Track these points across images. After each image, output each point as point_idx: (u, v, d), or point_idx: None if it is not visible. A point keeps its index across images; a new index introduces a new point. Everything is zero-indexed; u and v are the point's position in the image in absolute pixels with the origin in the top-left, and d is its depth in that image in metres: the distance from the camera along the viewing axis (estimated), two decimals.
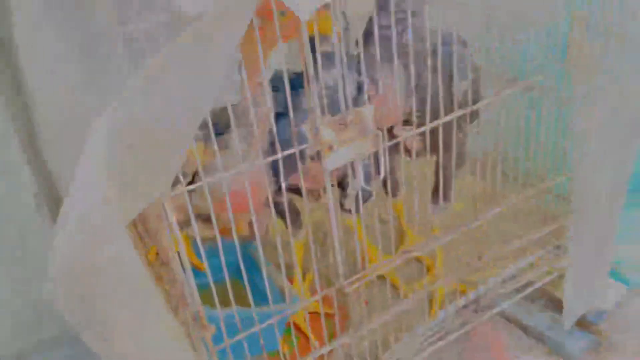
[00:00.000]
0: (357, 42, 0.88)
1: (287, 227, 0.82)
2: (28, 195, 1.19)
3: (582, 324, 1.31)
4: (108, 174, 0.54)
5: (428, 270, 1.12)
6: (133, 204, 0.59)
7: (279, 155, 0.69)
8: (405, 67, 0.78)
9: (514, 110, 1.00)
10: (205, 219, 0.71)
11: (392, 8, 0.73)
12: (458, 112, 0.84)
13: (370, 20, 0.84)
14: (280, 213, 0.87)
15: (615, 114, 0.97)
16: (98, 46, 0.60)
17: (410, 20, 0.75)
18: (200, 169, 0.65)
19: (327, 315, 0.91)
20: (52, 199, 1.26)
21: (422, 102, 0.80)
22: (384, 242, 0.87)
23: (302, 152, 0.72)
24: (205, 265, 0.71)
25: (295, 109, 0.68)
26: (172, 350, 0.60)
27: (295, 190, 0.84)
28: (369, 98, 0.74)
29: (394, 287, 1.06)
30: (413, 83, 0.78)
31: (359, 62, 0.75)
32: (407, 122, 0.83)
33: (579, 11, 0.87)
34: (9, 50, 1.16)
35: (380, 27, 0.75)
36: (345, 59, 0.68)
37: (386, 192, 1.04)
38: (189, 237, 0.94)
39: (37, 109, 0.94)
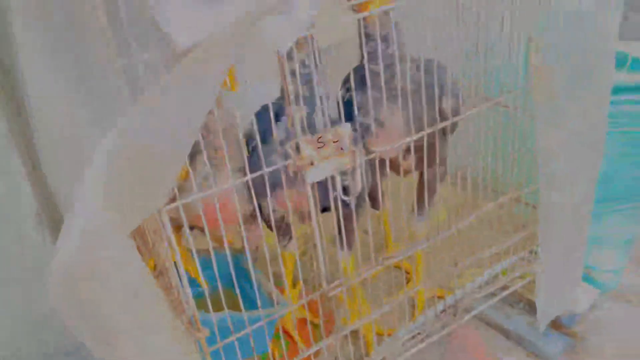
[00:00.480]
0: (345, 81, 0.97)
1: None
2: (29, 214, 1.23)
3: (558, 326, 1.38)
4: (108, 190, 0.61)
5: (409, 278, 1.18)
6: (131, 216, 0.65)
7: (248, 177, 0.77)
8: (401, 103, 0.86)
9: (490, 125, 1.08)
10: (201, 230, 0.78)
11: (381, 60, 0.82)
12: (440, 125, 0.92)
13: (358, 66, 0.92)
14: (271, 227, 0.94)
15: (578, 135, 1.05)
16: (98, 76, 0.68)
17: (398, 65, 0.84)
18: (194, 184, 0.72)
19: (314, 323, 0.98)
20: (52, 217, 1.31)
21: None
22: (366, 251, 0.94)
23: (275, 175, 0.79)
24: (200, 274, 0.78)
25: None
26: (174, 353, 0.66)
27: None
28: (376, 136, 0.83)
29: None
30: (411, 118, 0.86)
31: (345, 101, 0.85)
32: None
33: (536, 37, 0.95)
34: (9, 73, 1.23)
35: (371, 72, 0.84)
36: (322, 83, 0.76)
37: (372, 206, 1.12)
38: (186, 249, 1.00)
39: (38, 131, 1.00)
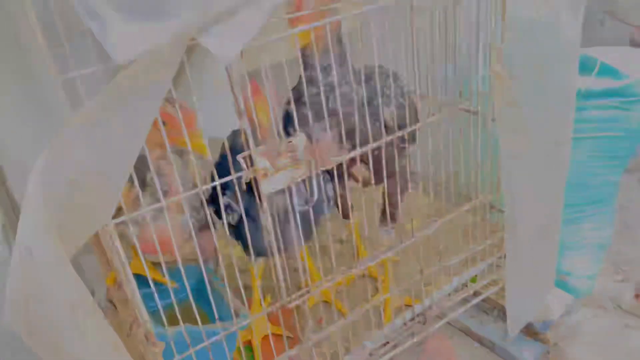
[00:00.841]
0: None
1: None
2: None
3: (531, 332, 1.38)
4: (50, 208, 0.60)
5: (377, 287, 1.18)
6: (78, 234, 0.65)
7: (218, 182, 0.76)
8: (336, 115, 0.86)
9: (457, 131, 1.08)
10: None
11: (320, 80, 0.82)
12: (388, 137, 0.92)
13: (298, 84, 0.92)
14: (239, 238, 0.94)
15: (541, 140, 1.05)
16: (41, 93, 0.67)
17: (337, 90, 0.84)
18: (141, 199, 0.72)
19: (278, 335, 0.97)
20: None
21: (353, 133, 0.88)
22: (337, 260, 0.93)
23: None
24: (153, 289, 0.77)
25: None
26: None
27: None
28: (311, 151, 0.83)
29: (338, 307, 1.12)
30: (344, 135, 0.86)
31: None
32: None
33: (497, 44, 0.95)
34: None
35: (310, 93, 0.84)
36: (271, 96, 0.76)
37: (343, 216, 1.12)
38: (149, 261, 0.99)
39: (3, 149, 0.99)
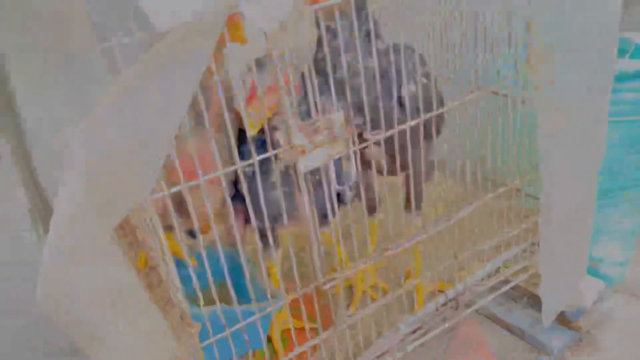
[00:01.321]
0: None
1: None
2: (24, 213, 1.22)
3: (563, 320, 1.35)
4: (88, 184, 0.58)
5: (408, 273, 1.16)
6: (115, 211, 0.63)
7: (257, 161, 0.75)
8: (352, 90, 0.82)
9: (487, 114, 1.05)
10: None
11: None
12: (427, 115, 0.89)
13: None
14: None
15: (578, 121, 1.02)
16: (79, 63, 0.66)
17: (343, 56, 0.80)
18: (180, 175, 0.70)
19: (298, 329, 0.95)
20: (46, 216, 1.30)
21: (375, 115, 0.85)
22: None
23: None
24: (190, 268, 0.75)
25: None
26: (160, 347, 0.64)
27: None
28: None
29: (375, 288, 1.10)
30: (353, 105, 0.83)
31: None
32: (360, 136, 0.88)
33: (535, 22, 0.92)
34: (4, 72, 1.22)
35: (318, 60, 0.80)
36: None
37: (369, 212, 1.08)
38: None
39: (28, 130, 0.98)
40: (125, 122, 0.57)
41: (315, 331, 0.96)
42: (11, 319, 1.27)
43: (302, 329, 0.92)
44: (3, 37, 0.75)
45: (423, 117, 0.89)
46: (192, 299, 0.80)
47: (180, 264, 0.77)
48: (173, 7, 0.57)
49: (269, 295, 0.85)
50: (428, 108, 0.90)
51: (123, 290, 0.64)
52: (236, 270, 0.87)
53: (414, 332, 1.09)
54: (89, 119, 0.55)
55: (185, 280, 0.77)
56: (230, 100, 0.71)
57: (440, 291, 1.10)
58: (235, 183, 0.87)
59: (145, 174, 0.64)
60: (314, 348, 0.95)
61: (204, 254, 0.78)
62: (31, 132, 0.96)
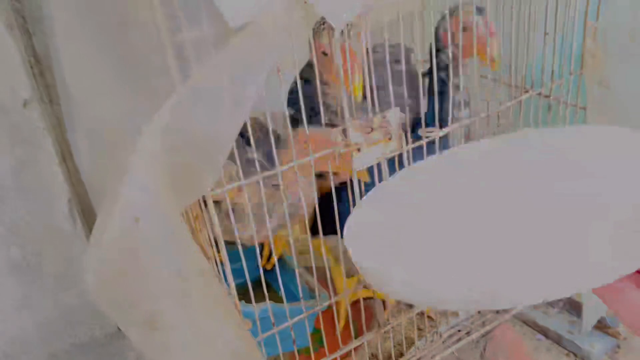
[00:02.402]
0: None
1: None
2: (61, 203, 1.23)
3: (601, 326, 1.33)
4: (159, 169, 0.58)
5: None
6: (181, 197, 0.63)
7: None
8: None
9: (532, 117, 1.04)
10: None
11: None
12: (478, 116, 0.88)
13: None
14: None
15: (629, 123, 1.00)
16: (144, 55, 0.65)
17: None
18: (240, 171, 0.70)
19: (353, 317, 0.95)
20: (84, 206, 1.31)
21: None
22: None
23: None
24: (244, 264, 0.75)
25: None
26: (226, 335, 0.63)
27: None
28: None
29: None
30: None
31: None
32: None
33: (592, 22, 0.90)
34: (41, 59, 1.22)
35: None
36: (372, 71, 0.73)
37: None
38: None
39: (76, 121, 0.98)
40: (196, 117, 0.57)
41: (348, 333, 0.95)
42: (39, 309, 1.28)
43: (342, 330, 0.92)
44: (63, 24, 0.75)
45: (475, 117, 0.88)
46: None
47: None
48: (246, 1, 0.56)
49: (317, 294, 0.85)
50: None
51: (192, 275, 0.63)
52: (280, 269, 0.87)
53: (451, 336, 1.08)
54: (164, 110, 0.54)
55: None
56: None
57: None
58: None
59: (207, 170, 0.64)
60: (357, 349, 0.95)
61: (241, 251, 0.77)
62: (80, 124, 0.96)
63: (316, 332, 1.00)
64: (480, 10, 0.84)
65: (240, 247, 0.72)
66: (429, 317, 1.06)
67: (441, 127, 0.84)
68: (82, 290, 1.31)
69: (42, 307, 1.28)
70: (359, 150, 0.76)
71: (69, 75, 0.88)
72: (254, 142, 0.69)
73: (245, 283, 0.75)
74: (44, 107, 1.18)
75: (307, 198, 0.79)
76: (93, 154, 1.05)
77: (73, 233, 1.25)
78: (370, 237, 0.42)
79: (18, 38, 1.11)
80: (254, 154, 0.77)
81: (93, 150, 1.03)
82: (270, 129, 0.70)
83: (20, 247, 1.20)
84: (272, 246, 0.76)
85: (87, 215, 1.31)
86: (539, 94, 1.02)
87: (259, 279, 0.80)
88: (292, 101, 0.84)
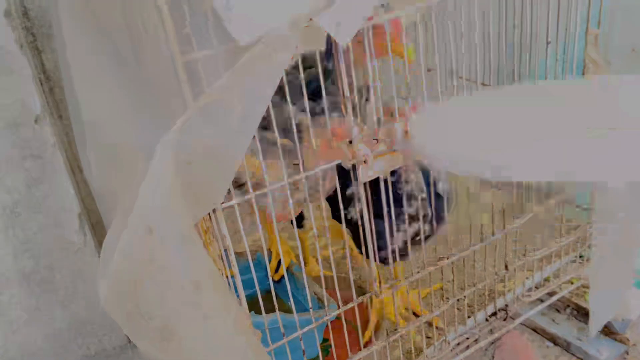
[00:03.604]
0: None
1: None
2: (72, 217, 1.25)
3: (609, 332, 1.33)
4: (169, 187, 0.60)
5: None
6: (190, 214, 0.64)
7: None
8: None
9: None
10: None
11: None
12: None
13: None
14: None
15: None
16: (156, 73, 0.67)
17: None
18: (249, 183, 0.71)
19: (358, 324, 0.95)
20: (93, 220, 1.32)
21: None
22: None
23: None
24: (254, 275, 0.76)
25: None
26: (238, 344, 0.63)
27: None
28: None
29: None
30: None
31: None
32: None
33: (594, 29, 0.92)
34: (51, 76, 1.25)
35: None
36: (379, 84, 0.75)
37: None
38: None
39: (87, 136, 1.00)
40: (207, 133, 0.58)
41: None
42: (49, 321, 1.29)
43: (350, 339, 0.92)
44: (77, 40, 0.77)
45: None
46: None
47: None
48: (254, 20, 0.58)
49: (325, 304, 0.86)
50: None
51: (205, 285, 0.63)
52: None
53: (459, 344, 1.08)
54: (176, 127, 0.56)
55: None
56: None
57: (491, 300, 1.09)
58: None
59: (218, 184, 0.65)
60: (365, 358, 0.95)
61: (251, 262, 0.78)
62: (90, 140, 0.97)
63: (324, 341, 1.01)
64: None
65: (250, 258, 0.73)
66: (437, 327, 1.07)
67: None
68: (92, 302, 1.33)
69: (53, 319, 1.29)
70: (365, 162, 0.77)
71: (80, 92, 0.89)
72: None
73: (253, 294, 0.77)
74: (54, 123, 1.20)
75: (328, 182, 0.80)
76: (103, 169, 1.06)
77: (83, 246, 1.26)
78: None
79: (29, 55, 1.13)
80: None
81: (103, 164, 1.04)
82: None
83: (32, 260, 1.22)
84: (282, 258, 0.78)
85: (96, 229, 1.33)
86: None
87: (267, 290, 0.81)
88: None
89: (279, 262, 1.06)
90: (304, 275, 0.82)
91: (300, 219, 1.08)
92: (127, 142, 0.83)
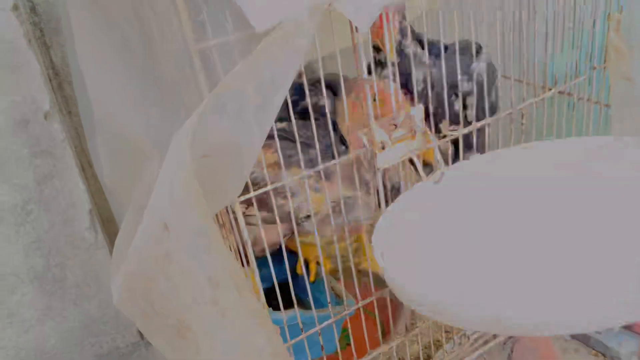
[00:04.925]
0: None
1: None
2: (83, 214, 1.24)
3: (629, 325, 1.30)
4: (185, 182, 0.58)
5: None
6: (207, 209, 0.62)
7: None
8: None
9: (555, 113, 1.02)
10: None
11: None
12: (502, 114, 0.87)
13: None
14: None
15: None
16: (170, 63, 0.65)
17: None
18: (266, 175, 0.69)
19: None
20: (104, 217, 1.31)
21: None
22: None
23: None
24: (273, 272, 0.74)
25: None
26: (258, 342, 0.62)
27: None
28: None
29: None
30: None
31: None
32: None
33: (615, 13, 0.89)
34: (61, 76, 1.23)
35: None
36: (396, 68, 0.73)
37: None
38: None
39: (97, 131, 0.98)
40: (223, 125, 0.57)
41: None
42: (61, 320, 1.28)
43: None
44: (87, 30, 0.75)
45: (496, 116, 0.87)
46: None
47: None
48: (272, 6, 0.56)
49: (344, 299, 0.84)
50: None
51: (223, 281, 0.61)
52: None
53: (477, 338, 1.06)
54: (192, 119, 0.54)
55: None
56: None
57: None
58: None
59: (234, 178, 0.63)
60: (385, 353, 0.94)
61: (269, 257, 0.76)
62: (101, 135, 0.96)
63: (343, 331, 0.99)
64: None
65: (268, 253, 0.72)
66: None
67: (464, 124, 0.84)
68: (104, 300, 1.32)
69: (65, 318, 1.28)
70: (383, 148, 0.75)
71: (91, 86, 0.88)
72: None
73: (267, 289, 0.75)
74: (63, 119, 1.19)
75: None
76: (114, 164, 1.05)
77: (94, 243, 1.25)
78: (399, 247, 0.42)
79: (37, 51, 1.12)
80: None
81: (115, 160, 1.03)
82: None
83: (44, 258, 1.21)
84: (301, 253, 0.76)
85: (107, 226, 1.32)
86: (561, 92, 1.01)
87: (283, 286, 0.80)
88: None
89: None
90: (322, 270, 0.80)
91: None
92: (138, 136, 0.81)
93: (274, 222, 0.71)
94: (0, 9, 1.03)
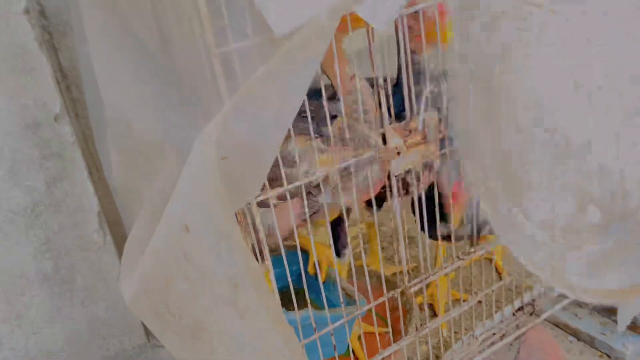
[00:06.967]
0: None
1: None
2: (91, 216, 1.24)
3: (634, 327, 1.31)
4: (206, 184, 0.59)
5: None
6: (227, 211, 0.63)
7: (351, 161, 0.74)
8: None
9: None
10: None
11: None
12: None
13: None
14: None
15: None
16: (189, 67, 0.66)
17: None
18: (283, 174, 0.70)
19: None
20: (111, 219, 1.32)
21: None
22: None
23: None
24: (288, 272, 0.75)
25: None
26: (275, 343, 0.62)
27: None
28: None
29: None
30: None
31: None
32: None
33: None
34: (70, 78, 1.24)
35: None
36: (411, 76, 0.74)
37: None
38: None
39: (108, 134, 0.99)
40: (244, 127, 0.57)
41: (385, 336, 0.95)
42: (70, 322, 1.29)
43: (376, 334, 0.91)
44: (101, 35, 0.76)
45: None
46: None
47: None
48: (291, 10, 0.57)
49: (356, 300, 0.85)
50: None
51: (242, 279, 0.62)
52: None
53: (485, 339, 1.07)
54: (216, 121, 0.55)
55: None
56: None
57: (518, 294, 1.08)
58: None
59: (253, 178, 0.64)
60: (396, 352, 0.94)
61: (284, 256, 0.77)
62: (113, 138, 0.97)
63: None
64: None
65: (283, 251, 0.73)
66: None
67: None
68: (112, 302, 1.32)
69: (73, 320, 1.29)
70: (398, 154, 0.76)
71: (105, 89, 0.88)
72: None
73: (280, 288, 0.76)
74: (71, 121, 1.20)
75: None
76: (125, 167, 1.06)
77: (103, 246, 1.26)
78: None
79: (46, 54, 1.13)
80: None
81: (126, 162, 1.03)
82: None
83: (52, 260, 1.21)
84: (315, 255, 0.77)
85: (114, 228, 1.32)
86: None
87: (295, 286, 0.80)
88: None
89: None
90: (336, 270, 0.81)
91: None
92: (152, 139, 0.82)
93: (286, 199, 0.72)
94: (13, 13, 1.04)
